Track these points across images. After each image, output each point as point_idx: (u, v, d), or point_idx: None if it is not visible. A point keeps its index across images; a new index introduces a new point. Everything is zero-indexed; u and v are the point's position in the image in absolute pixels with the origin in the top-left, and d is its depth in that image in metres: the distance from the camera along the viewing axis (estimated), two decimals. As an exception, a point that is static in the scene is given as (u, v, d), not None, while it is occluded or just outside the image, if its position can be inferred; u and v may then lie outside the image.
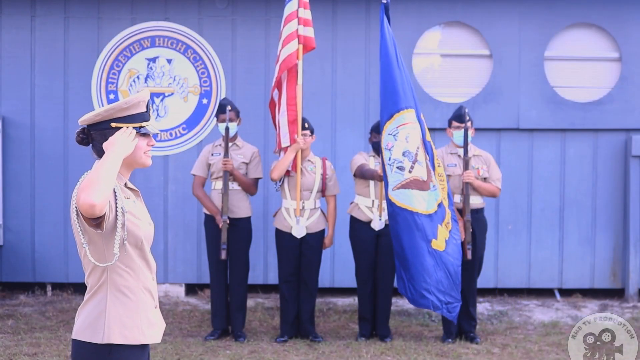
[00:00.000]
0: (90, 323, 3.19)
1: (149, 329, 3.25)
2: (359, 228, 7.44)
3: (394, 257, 7.46)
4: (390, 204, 6.95)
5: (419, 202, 6.83)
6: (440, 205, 6.90)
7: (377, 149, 7.45)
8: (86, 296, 3.26)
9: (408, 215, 6.85)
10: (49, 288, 8.73)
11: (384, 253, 7.40)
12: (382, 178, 7.22)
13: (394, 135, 6.89)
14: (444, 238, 6.89)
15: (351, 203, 7.58)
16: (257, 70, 8.69)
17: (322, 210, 7.48)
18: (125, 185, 3.29)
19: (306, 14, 7.31)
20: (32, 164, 8.64)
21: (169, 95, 8.69)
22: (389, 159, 6.92)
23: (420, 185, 6.83)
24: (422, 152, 6.90)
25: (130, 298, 3.21)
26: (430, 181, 6.88)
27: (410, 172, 6.83)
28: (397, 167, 6.89)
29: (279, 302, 7.75)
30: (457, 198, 7.32)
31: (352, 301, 8.46)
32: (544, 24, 8.77)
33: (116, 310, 3.18)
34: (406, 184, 6.86)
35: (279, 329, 7.55)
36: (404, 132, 6.86)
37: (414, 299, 6.96)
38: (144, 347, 3.26)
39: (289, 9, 7.29)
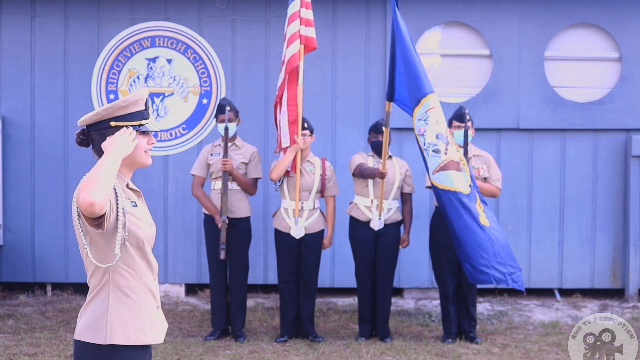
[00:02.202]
0: (93, 324, 3.19)
1: (151, 329, 3.25)
2: (358, 228, 7.44)
3: (393, 256, 7.48)
4: (434, 188, 6.90)
5: (459, 182, 6.79)
6: (470, 186, 6.88)
7: (376, 148, 7.45)
8: (88, 297, 3.26)
9: (452, 196, 6.78)
10: (49, 288, 8.72)
11: (383, 253, 7.40)
12: (384, 175, 7.22)
13: (425, 120, 6.82)
14: (484, 216, 6.87)
15: (350, 203, 7.58)
16: (257, 70, 8.69)
17: (321, 211, 7.48)
18: (127, 185, 3.29)
19: (308, 14, 7.30)
20: (32, 164, 8.64)
21: (169, 95, 8.69)
22: (424, 144, 6.86)
23: (456, 166, 6.80)
24: (450, 135, 6.93)
25: (133, 299, 3.21)
26: (460, 162, 6.87)
27: (445, 153, 6.79)
28: (433, 150, 6.80)
29: (279, 302, 7.75)
30: (457, 198, 7.32)
31: (352, 301, 8.46)
32: (544, 24, 8.77)
33: (118, 310, 3.19)
34: (444, 166, 6.79)
35: (279, 329, 7.55)
36: (434, 116, 6.81)
37: (474, 276, 6.86)
38: (146, 348, 3.26)
39: (292, 9, 7.29)
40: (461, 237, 6.78)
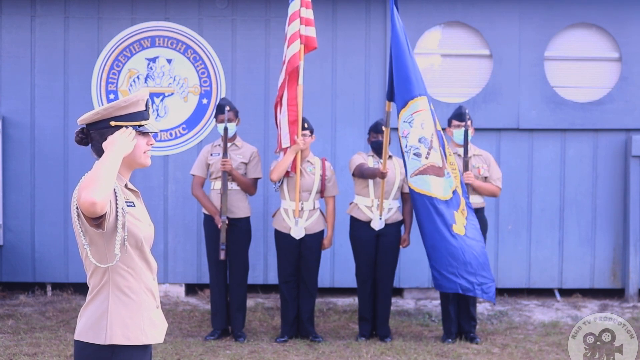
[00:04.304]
0: (93, 324, 3.19)
1: (151, 329, 3.25)
2: (358, 228, 7.44)
3: (394, 256, 7.48)
4: (410, 191, 6.97)
5: (437, 188, 6.83)
6: (454, 192, 6.91)
7: (376, 148, 7.45)
8: (88, 297, 3.26)
9: (427, 201, 6.85)
10: (49, 288, 8.72)
11: (384, 253, 7.40)
12: (384, 175, 7.22)
13: (409, 123, 6.87)
14: (462, 224, 6.89)
15: (350, 203, 7.58)
16: (257, 70, 8.69)
17: (321, 211, 7.48)
18: (126, 186, 3.29)
19: (308, 13, 7.30)
20: (32, 164, 8.64)
21: (169, 95, 8.69)
22: (406, 146, 6.92)
23: (437, 171, 6.84)
24: (436, 139, 6.93)
25: (132, 299, 3.21)
26: (445, 168, 6.89)
27: (427, 158, 6.83)
28: (414, 154, 6.86)
29: (279, 302, 7.75)
30: (457, 198, 7.33)
31: (352, 301, 8.46)
32: (544, 24, 8.77)
33: (118, 311, 3.19)
34: (423, 170, 6.85)
35: (279, 329, 7.55)
36: (419, 119, 6.85)
37: (441, 283, 6.93)
38: (146, 348, 3.26)
39: (292, 8, 7.28)
40: (432, 242, 6.87)
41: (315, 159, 7.49)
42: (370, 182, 7.40)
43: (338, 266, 8.66)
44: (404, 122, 6.92)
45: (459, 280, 6.88)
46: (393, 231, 7.46)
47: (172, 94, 8.69)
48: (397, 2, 7.06)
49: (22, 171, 8.63)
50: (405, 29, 7.04)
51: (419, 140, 6.86)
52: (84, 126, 3.30)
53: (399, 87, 6.93)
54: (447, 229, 6.85)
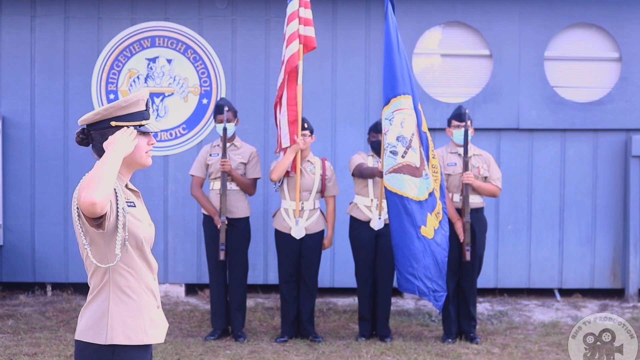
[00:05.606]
0: (94, 324, 3.19)
1: (151, 329, 3.25)
2: (358, 228, 7.44)
3: (393, 256, 7.49)
4: (384, 188, 7.03)
5: (410, 187, 6.88)
6: (431, 194, 6.94)
7: (376, 148, 7.46)
8: (89, 297, 3.26)
9: (397, 200, 6.92)
10: (49, 288, 8.72)
11: (383, 253, 7.40)
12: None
13: (390, 120, 6.95)
14: (433, 227, 6.93)
15: (350, 203, 7.58)
16: (257, 70, 8.69)
17: (321, 211, 7.48)
18: (126, 186, 3.29)
19: (307, 13, 7.30)
20: (32, 164, 8.64)
21: (169, 95, 8.69)
22: (385, 144, 6.98)
23: (413, 171, 6.88)
24: (417, 140, 6.95)
25: (133, 298, 3.21)
26: (423, 169, 6.92)
27: (403, 157, 6.88)
28: (390, 152, 6.93)
29: (279, 302, 7.75)
30: (457, 198, 7.32)
31: (352, 301, 8.46)
32: (544, 24, 8.77)
33: (119, 310, 3.19)
34: (398, 169, 6.91)
35: (279, 329, 7.55)
36: (400, 117, 6.92)
37: (400, 283, 7.03)
38: (147, 347, 3.26)
39: (291, 8, 7.28)
40: (397, 241, 6.92)
41: (316, 159, 7.49)
42: (370, 181, 7.40)
43: (338, 266, 8.66)
44: (386, 119, 6.99)
45: (417, 282, 6.93)
46: (393, 231, 7.46)
47: (172, 94, 8.69)
48: (394, 2, 7.07)
49: (22, 171, 8.63)
50: (398, 28, 7.07)
51: (397, 139, 6.91)
52: (85, 127, 3.30)
53: (385, 84, 7.02)
54: (414, 230, 6.90)
